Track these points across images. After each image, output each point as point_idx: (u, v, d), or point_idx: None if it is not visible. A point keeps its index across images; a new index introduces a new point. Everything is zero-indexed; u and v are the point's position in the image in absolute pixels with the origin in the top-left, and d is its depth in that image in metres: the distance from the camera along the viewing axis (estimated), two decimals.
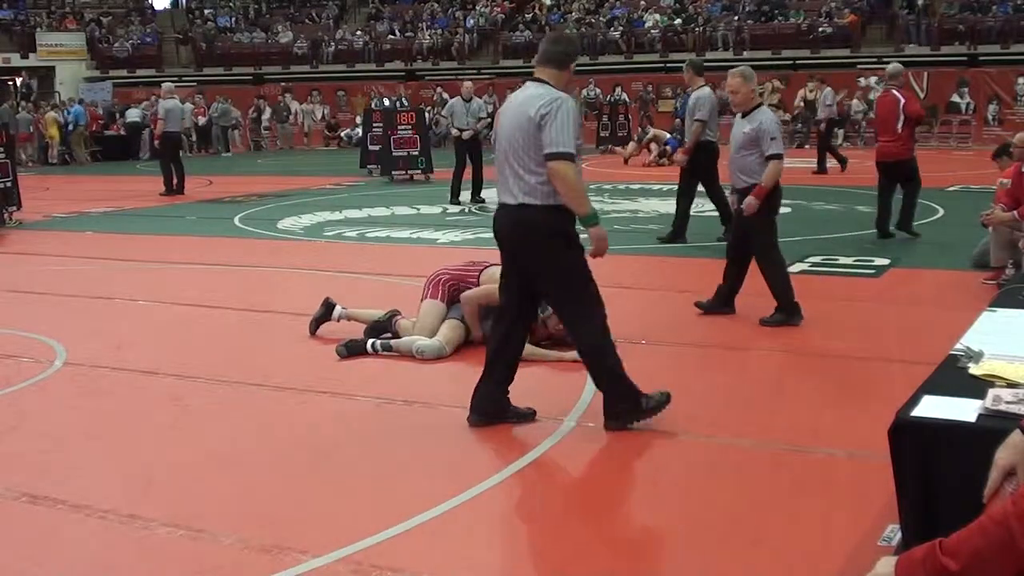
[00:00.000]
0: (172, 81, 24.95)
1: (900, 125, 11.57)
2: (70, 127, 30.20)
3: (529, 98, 5.39)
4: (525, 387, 6.61)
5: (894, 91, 11.76)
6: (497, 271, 7.32)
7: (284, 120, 34.15)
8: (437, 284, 7.56)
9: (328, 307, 7.94)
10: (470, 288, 7.45)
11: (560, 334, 7.10)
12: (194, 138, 32.07)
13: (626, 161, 24.70)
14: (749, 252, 8.12)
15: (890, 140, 11.73)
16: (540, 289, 5.63)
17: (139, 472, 5.22)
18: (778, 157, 7.88)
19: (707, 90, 11.82)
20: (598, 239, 5.49)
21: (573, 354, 7.09)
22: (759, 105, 8.20)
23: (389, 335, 7.51)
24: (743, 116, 8.11)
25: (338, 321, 7.87)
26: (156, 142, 20.68)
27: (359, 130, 27.60)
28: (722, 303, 8.35)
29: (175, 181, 19.92)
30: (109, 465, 5.38)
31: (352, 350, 7.37)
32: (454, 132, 16.96)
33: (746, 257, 8.17)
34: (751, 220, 7.89)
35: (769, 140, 7.86)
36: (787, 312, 7.91)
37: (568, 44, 5.73)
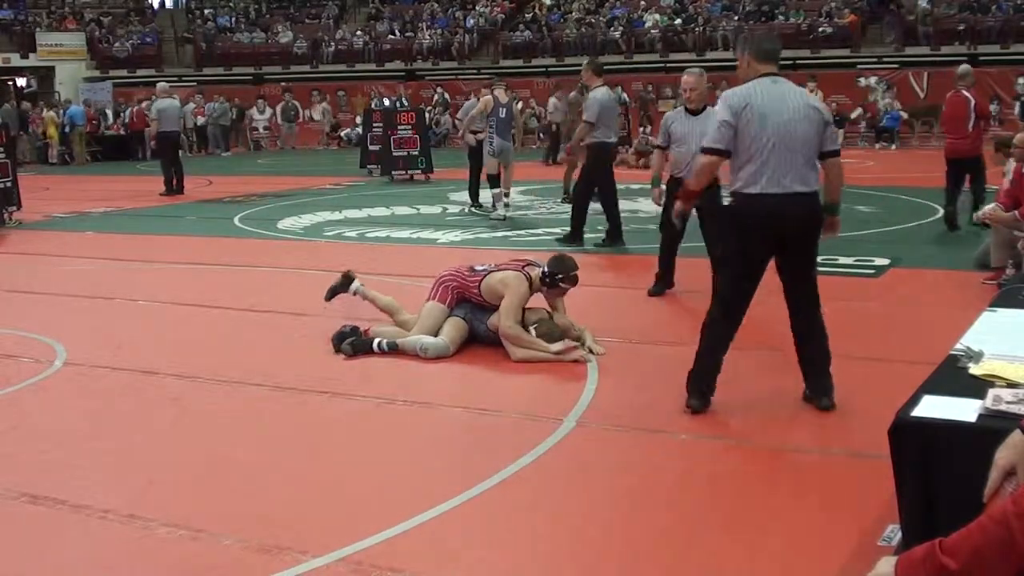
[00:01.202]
0: (172, 81, 24.95)
1: (971, 124, 12.18)
2: (66, 127, 30.19)
3: (803, 94, 5.87)
4: (525, 387, 6.63)
5: (964, 91, 12.30)
6: (497, 278, 7.37)
7: (291, 120, 34.07)
8: (446, 289, 7.53)
9: (347, 279, 8.07)
10: (472, 295, 7.45)
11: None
12: (194, 138, 32.09)
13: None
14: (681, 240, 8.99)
15: (961, 138, 12.28)
16: (798, 272, 5.96)
17: (139, 472, 5.23)
18: None
19: (602, 90, 11.84)
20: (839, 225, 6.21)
21: (575, 354, 7.14)
22: (706, 105, 8.88)
23: (375, 338, 7.49)
24: (694, 115, 8.84)
25: (353, 295, 8.01)
26: (152, 142, 20.64)
27: (359, 130, 27.61)
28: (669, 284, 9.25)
29: (174, 181, 19.92)
30: (109, 465, 5.38)
31: (358, 349, 7.38)
32: (468, 138, 16.76)
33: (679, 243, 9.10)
34: (716, 203, 8.54)
35: None
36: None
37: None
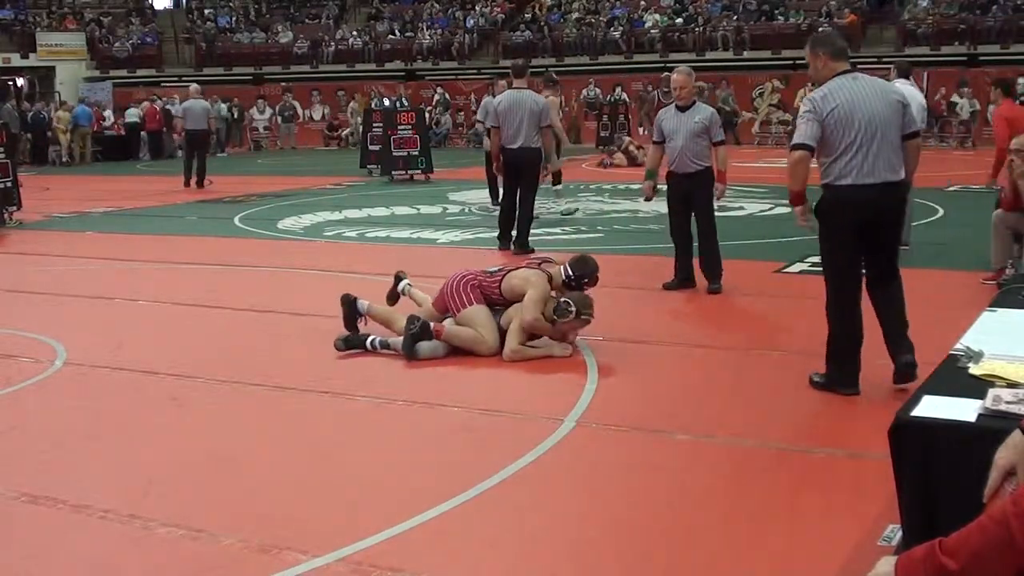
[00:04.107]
0: (172, 81, 24.97)
1: None
2: (70, 126, 30.23)
3: (884, 85, 6.22)
4: (525, 387, 6.63)
5: None
6: (519, 275, 7.38)
7: (288, 120, 34.08)
8: (474, 288, 7.41)
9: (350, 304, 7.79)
10: (492, 294, 7.41)
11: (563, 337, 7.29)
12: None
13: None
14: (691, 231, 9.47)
15: None
16: (886, 251, 6.19)
17: (139, 472, 5.22)
18: (724, 142, 9.49)
19: (504, 93, 11.94)
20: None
21: (560, 347, 7.18)
22: (695, 101, 9.41)
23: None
24: (682, 110, 9.26)
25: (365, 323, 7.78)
26: (177, 136, 21.38)
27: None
28: (685, 280, 9.44)
29: (193, 176, 21.01)
30: (109, 465, 5.38)
31: (350, 344, 7.40)
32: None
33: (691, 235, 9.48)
34: (707, 197, 9.33)
35: (718, 128, 9.35)
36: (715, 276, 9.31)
37: None
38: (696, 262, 9.40)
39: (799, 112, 6.12)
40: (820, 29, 32.34)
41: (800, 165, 5.99)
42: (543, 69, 33.51)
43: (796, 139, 6.00)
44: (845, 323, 6.10)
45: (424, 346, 7.20)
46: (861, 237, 6.02)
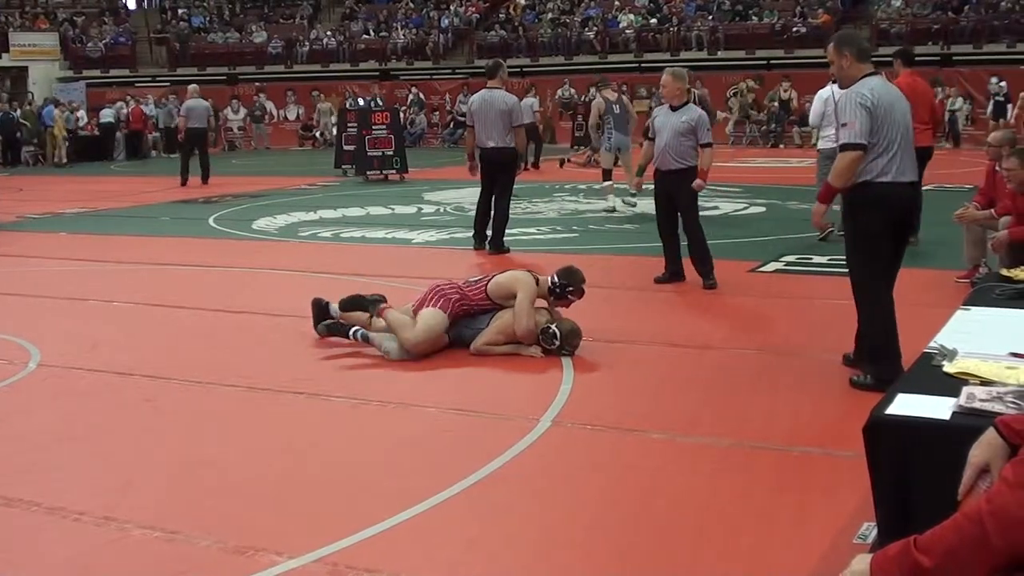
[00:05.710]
0: (145, 81, 24.88)
1: None
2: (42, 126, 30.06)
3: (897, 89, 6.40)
4: (501, 387, 6.63)
5: None
6: (507, 275, 7.41)
7: (258, 120, 33.97)
8: (447, 300, 7.28)
9: (320, 308, 7.83)
10: (476, 302, 7.34)
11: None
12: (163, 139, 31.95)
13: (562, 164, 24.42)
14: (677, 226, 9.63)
15: None
16: (904, 247, 6.38)
17: (114, 474, 5.20)
18: (710, 144, 9.57)
19: (480, 92, 11.98)
20: None
21: (532, 350, 7.18)
22: (687, 101, 9.66)
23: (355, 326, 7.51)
24: (673, 109, 9.48)
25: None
26: (179, 136, 21.98)
27: (334, 129, 27.56)
28: (674, 274, 9.68)
29: (190, 175, 21.47)
30: (84, 467, 5.35)
31: (332, 330, 7.50)
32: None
33: (676, 230, 9.65)
34: (689, 195, 9.42)
35: (705, 131, 9.47)
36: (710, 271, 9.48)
37: None
38: (689, 261, 9.59)
39: (847, 106, 5.99)
40: (794, 29, 32.64)
41: (855, 165, 5.97)
42: (518, 69, 33.72)
43: (853, 138, 5.94)
44: (888, 319, 6.18)
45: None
46: (896, 233, 6.20)
